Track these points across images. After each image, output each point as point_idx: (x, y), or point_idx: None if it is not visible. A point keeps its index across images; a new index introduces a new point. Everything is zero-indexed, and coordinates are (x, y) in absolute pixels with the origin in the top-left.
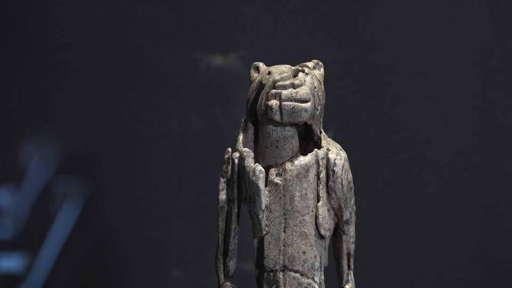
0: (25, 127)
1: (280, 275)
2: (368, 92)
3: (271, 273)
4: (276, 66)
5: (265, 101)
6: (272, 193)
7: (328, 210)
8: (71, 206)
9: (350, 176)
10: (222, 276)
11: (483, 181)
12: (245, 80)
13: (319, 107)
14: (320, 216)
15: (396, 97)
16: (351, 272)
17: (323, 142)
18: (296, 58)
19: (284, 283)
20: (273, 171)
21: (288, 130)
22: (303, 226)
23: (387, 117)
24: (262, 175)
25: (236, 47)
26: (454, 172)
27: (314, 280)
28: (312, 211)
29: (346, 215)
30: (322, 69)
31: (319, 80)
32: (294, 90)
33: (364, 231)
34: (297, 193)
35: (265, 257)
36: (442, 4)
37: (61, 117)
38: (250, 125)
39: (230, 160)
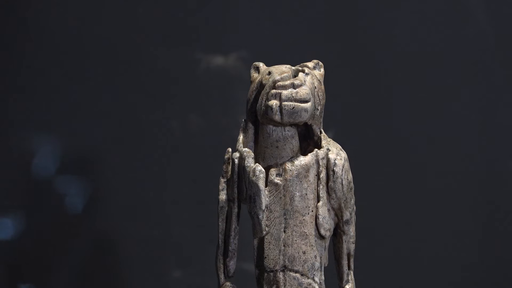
0: (25, 127)
1: (280, 275)
2: (368, 92)
3: (271, 273)
4: (276, 66)
5: (265, 101)
6: (272, 193)
7: (328, 210)
8: (71, 206)
9: (350, 176)
10: (222, 276)
11: (484, 181)
12: (245, 80)
13: (319, 107)
14: (320, 216)
15: (396, 97)
16: (351, 272)
17: (323, 142)
18: (296, 58)
19: (284, 283)
20: (273, 171)
21: (288, 130)
22: (303, 226)
23: (387, 117)
24: (262, 175)
25: (236, 47)
26: (455, 172)
27: (314, 280)
28: (312, 211)
29: (346, 215)
30: (322, 69)
31: (319, 80)
32: (294, 90)
33: (364, 231)
34: (297, 193)
35: (265, 257)
36: (442, 4)
37: (61, 117)
38: (250, 125)
39: (230, 160)
